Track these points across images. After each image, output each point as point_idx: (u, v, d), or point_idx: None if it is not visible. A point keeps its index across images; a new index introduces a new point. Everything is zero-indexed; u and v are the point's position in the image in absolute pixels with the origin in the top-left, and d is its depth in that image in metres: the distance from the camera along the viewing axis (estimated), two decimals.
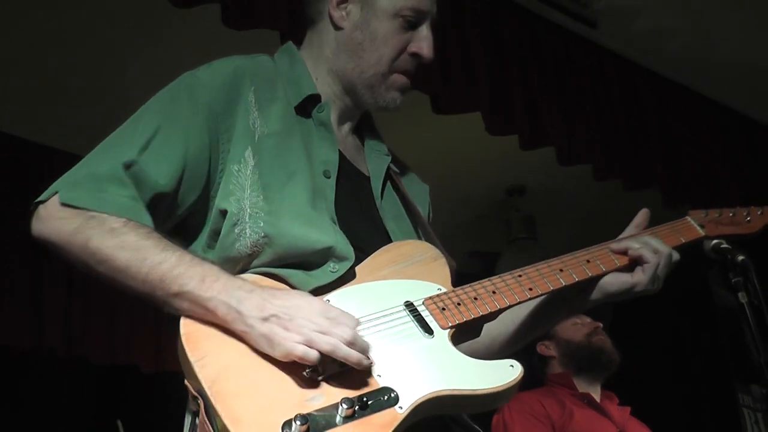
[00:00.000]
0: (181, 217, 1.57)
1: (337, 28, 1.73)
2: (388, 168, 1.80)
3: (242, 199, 1.53)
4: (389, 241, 1.65)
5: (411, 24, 1.72)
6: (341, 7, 1.72)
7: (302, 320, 1.34)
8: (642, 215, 1.79)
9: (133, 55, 3.74)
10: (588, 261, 1.68)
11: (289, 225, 1.51)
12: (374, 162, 1.79)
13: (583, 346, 3.38)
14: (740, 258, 1.71)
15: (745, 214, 1.90)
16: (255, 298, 1.37)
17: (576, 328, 3.44)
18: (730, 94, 4.59)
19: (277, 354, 1.34)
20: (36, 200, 1.49)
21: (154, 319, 4.06)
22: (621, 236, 1.76)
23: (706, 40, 4.15)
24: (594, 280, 1.69)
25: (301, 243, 1.50)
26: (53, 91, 3.95)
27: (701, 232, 1.83)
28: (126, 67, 3.78)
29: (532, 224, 5.24)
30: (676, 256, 1.71)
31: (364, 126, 1.85)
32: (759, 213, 1.92)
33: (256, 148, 1.57)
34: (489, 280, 1.60)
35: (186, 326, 1.39)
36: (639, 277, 1.67)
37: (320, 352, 1.32)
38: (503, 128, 3.69)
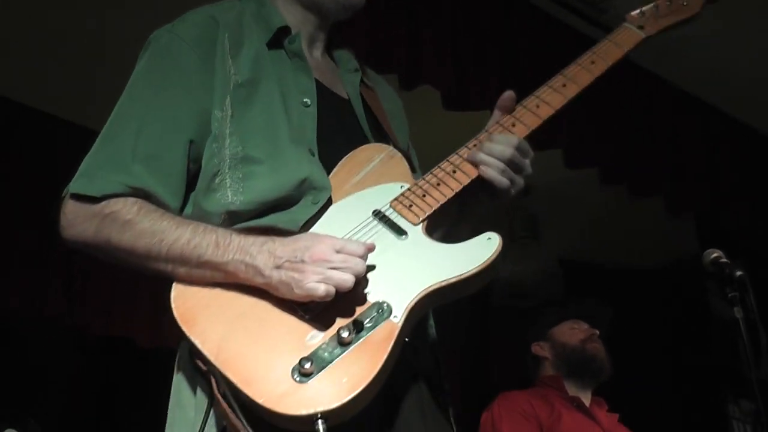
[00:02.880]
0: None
1: None
2: (362, 82, 1.78)
3: (222, 149, 1.53)
4: None
5: None
6: None
7: (314, 261, 1.34)
8: (508, 97, 1.68)
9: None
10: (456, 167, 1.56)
11: (267, 170, 1.51)
12: (350, 82, 1.77)
13: (577, 350, 3.39)
14: (738, 273, 1.70)
15: None
16: (266, 250, 1.38)
17: (573, 332, 3.45)
18: (741, 106, 4.59)
19: (297, 297, 1.34)
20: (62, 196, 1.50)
21: (153, 294, 4.06)
22: (487, 128, 1.64)
23: (719, 51, 4.14)
24: None
25: (277, 184, 1.50)
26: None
27: (641, 35, 1.77)
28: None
29: (535, 224, 5.25)
30: (523, 146, 1.61)
31: (334, 44, 1.83)
32: None
33: (233, 96, 1.57)
34: (447, 160, 1.56)
35: (177, 307, 1.40)
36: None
37: (337, 287, 1.33)
38: None
